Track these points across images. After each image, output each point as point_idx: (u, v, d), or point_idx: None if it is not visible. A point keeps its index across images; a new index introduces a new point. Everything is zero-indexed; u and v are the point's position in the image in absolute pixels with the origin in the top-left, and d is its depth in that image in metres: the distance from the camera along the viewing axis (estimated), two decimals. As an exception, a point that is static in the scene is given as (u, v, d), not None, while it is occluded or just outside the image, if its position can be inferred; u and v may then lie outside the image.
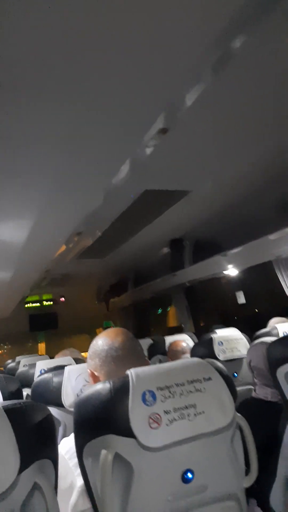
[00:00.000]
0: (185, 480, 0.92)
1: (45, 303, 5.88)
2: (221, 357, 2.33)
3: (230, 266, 3.07)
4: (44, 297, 5.81)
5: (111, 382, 0.96)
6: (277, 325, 2.45)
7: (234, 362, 2.38)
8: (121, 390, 0.95)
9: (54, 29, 0.87)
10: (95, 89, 1.09)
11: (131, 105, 1.11)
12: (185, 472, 0.92)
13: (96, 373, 1.12)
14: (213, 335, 2.46)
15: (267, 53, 0.95)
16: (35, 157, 1.48)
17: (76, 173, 1.72)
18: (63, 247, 3.07)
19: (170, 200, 2.20)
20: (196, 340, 3.02)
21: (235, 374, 2.37)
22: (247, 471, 1.05)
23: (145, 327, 5.81)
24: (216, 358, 2.28)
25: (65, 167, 1.62)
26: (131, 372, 0.97)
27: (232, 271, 3.21)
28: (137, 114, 1.14)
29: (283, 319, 2.64)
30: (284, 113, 1.29)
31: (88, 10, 0.82)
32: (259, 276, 3.74)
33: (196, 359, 1.07)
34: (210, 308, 5.65)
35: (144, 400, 0.93)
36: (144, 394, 0.94)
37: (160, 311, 6.07)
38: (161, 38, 0.88)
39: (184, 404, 0.95)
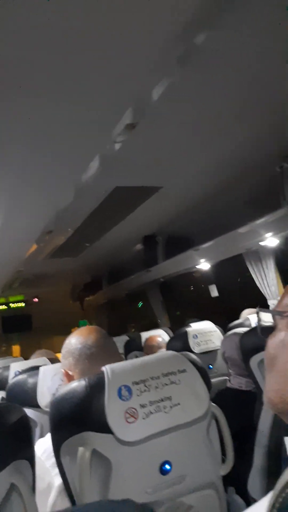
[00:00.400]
0: (163, 472, 0.93)
1: (12, 305, 5.77)
2: (196, 350, 2.36)
3: (202, 260, 3.12)
4: (11, 299, 5.70)
5: (86, 379, 0.96)
6: (249, 316, 2.50)
7: (209, 354, 2.42)
8: (96, 387, 0.95)
9: (16, 27, 0.85)
10: (61, 84, 1.08)
11: (98, 100, 1.10)
12: (163, 464, 0.94)
13: (70, 372, 1.11)
14: (188, 329, 2.49)
15: (232, 47, 0.96)
16: None
17: (44, 170, 1.69)
18: (34, 246, 3.02)
19: (141, 196, 2.21)
20: (172, 335, 3.04)
21: (210, 366, 2.41)
22: (224, 460, 1.07)
23: (121, 324, 5.80)
24: (192, 351, 2.31)
25: (32, 164, 1.59)
26: (107, 368, 0.97)
27: (204, 265, 3.26)
28: (104, 109, 1.14)
29: (255, 310, 2.70)
30: (251, 107, 1.31)
31: (49, 8, 0.81)
32: (232, 269, 3.81)
33: (170, 352, 1.08)
34: (185, 302, 5.71)
35: (120, 395, 0.94)
36: (120, 390, 0.94)
37: (140, 304, 6.06)
38: (125, 33, 0.88)
39: (160, 397, 0.96)
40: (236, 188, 2.11)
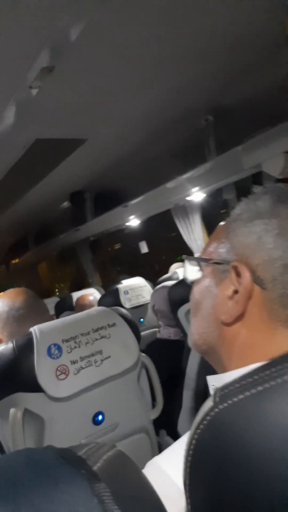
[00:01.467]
0: (96, 422, 0.96)
1: None
2: (127, 305, 2.41)
3: (132, 217, 3.11)
4: None
5: (13, 342, 0.94)
6: (177, 270, 2.60)
7: (140, 308, 2.48)
8: (25, 348, 0.93)
9: None
10: None
11: (8, 40, 0.97)
12: (96, 415, 0.96)
13: (-1, 336, 1.07)
14: (119, 286, 2.51)
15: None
16: None
17: None
18: None
19: (66, 149, 2.09)
20: (104, 293, 3.06)
21: (141, 319, 2.49)
22: (154, 405, 1.13)
23: (51, 286, 5.71)
24: (123, 307, 2.36)
25: None
26: (35, 329, 0.95)
27: (134, 222, 3.26)
28: (17, 50, 1.01)
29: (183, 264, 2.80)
30: (175, 57, 1.26)
31: None
32: (161, 225, 3.87)
33: (100, 308, 1.09)
34: (116, 259, 5.75)
35: (50, 354, 0.93)
36: (49, 348, 0.93)
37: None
38: None
39: (91, 352, 0.97)
40: (163, 141, 2.09)
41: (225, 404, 0.29)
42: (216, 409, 0.30)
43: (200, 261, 0.56)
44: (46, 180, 2.54)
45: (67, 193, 3.18)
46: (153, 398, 1.13)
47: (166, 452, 0.51)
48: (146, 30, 1.07)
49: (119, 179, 2.81)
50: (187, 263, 0.62)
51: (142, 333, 2.30)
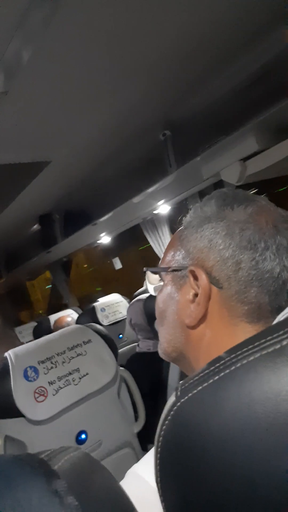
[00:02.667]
0: (80, 442, 0.95)
1: None
2: (105, 322, 2.40)
3: (102, 234, 3.12)
4: None
5: (-12, 369, 0.92)
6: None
7: (118, 325, 2.48)
8: (1, 374, 0.92)
9: None
10: None
11: None
12: (79, 434, 0.95)
13: None
14: (95, 304, 2.51)
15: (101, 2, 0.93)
16: None
17: None
18: None
19: (30, 173, 2.09)
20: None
21: (120, 335, 2.48)
22: (137, 418, 1.13)
23: (27, 311, 5.59)
24: (101, 325, 2.35)
25: None
26: (9, 353, 0.94)
27: (105, 239, 3.27)
28: None
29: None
30: (132, 68, 1.29)
31: None
32: (132, 240, 3.90)
33: (75, 326, 1.09)
34: (91, 278, 5.72)
35: (26, 377, 0.92)
36: (25, 371, 0.92)
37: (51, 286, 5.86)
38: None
39: (68, 371, 0.96)
40: (125, 158, 2.12)
41: (186, 398, 0.30)
42: (178, 404, 0.31)
43: (159, 271, 0.59)
44: (13, 205, 2.53)
45: (35, 216, 3.16)
46: (136, 412, 1.13)
47: (144, 458, 0.52)
48: (96, 50, 1.11)
49: (86, 198, 2.82)
50: (148, 274, 0.64)
51: (122, 349, 2.31)
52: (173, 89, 1.53)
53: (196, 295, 0.51)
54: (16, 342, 1.08)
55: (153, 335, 1.80)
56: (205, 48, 1.32)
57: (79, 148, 1.83)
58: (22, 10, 0.84)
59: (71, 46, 1.04)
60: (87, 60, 1.13)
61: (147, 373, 1.67)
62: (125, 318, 2.45)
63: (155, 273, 0.60)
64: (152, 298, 1.74)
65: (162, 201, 2.32)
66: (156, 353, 1.88)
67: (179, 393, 0.32)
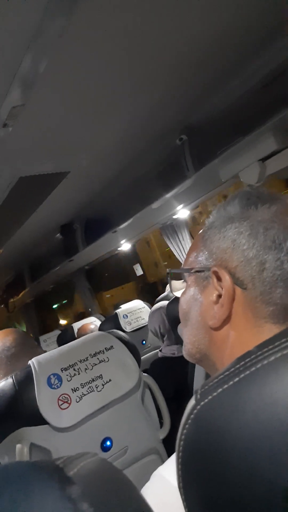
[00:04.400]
0: (105, 449, 0.95)
1: None
2: (127, 329, 2.40)
3: (122, 241, 3.14)
4: None
5: (13, 376, 0.93)
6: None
7: (141, 331, 2.47)
8: (25, 381, 0.92)
9: None
10: None
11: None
12: (104, 441, 0.95)
13: (-5, 378, 1.07)
14: (117, 311, 2.51)
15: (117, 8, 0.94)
16: None
17: None
18: None
19: (50, 184, 2.13)
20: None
21: (143, 341, 2.47)
22: (162, 424, 1.12)
23: (52, 319, 5.67)
24: (124, 331, 2.35)
25: None
26: (33, 361, 0.95)
27: (125, 246, 3.29)
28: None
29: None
30: (149, 74, 1.30)
31: None
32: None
33: (97, 333, 1.09)
34: (114, 285, 5.74)
35: (50, 384, 0.92)
36: (49, 379, 0.93)
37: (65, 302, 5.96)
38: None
39: (91, 377, 0.96)
40: (142, 164, 2.13)
41: (206, 400, 0.30)
42: (198, 407, 0.30)
43: (182, 272, 0.58)
44: (34, 216, 2.58)
45: (57, 226, 3.21)
46: (161, 417, 1.12)
47: (169, 461, 0.52)
48: (112, 58, 1.12)
49: (105, 205, 2.85)
50: (171, 281, 0.63)
51: (145, 355, 2.29)
52: (189, 94, 1.54)
53: (219, 296, 0.50)
54: (39, 351, 1.09)
55: (178, 340, 1.78)
56: (220, 52, 1.32)
57: (97, 157, 1.85)
58: (37, 21, 0.86)
59: (87, 55, 1.05)
60: (103, 69, 1.15)
61: (171, 378, 1.65)
62: (147, 324, 2.44)
63: (177, 275, 0.60)
64: (173, 302, 1.72)
65: (181, 206, 2.32)
66: (180, 357, 1.87)
67: (199, 396, 0.32)
